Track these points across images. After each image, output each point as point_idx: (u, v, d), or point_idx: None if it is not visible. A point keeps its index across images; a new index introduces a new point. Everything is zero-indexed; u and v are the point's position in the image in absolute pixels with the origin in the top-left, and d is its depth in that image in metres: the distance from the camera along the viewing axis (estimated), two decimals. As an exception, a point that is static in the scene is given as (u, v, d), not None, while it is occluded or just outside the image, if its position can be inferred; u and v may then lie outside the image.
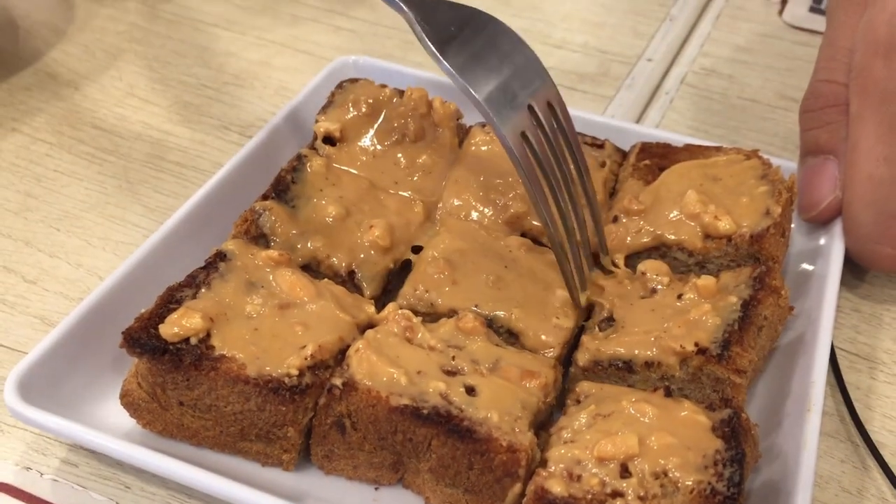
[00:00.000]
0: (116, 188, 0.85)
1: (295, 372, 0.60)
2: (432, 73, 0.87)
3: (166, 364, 0.60)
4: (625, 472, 0.56)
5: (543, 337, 0.66)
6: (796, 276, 0.74)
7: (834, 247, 0.72)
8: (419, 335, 0.64)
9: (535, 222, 0.73)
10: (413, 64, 0.99)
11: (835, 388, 0.70)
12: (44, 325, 0.73)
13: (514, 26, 1.03)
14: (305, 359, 0.61)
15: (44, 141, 0.87)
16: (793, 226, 0.74)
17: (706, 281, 0.67)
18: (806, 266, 0.74)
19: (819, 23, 1.09)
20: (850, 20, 0.73)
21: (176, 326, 0.61)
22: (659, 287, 0.68)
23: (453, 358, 0.63)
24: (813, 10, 1.10)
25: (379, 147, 0.76)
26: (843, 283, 0.77)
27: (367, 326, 0.66)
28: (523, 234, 0.73)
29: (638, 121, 0.94)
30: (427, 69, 0.94)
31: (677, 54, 1.03)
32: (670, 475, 0.55)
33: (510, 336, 0.66)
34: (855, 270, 0.79)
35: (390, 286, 0.70)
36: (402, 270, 0.71)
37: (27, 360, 0.62)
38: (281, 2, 1.07)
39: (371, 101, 0.77)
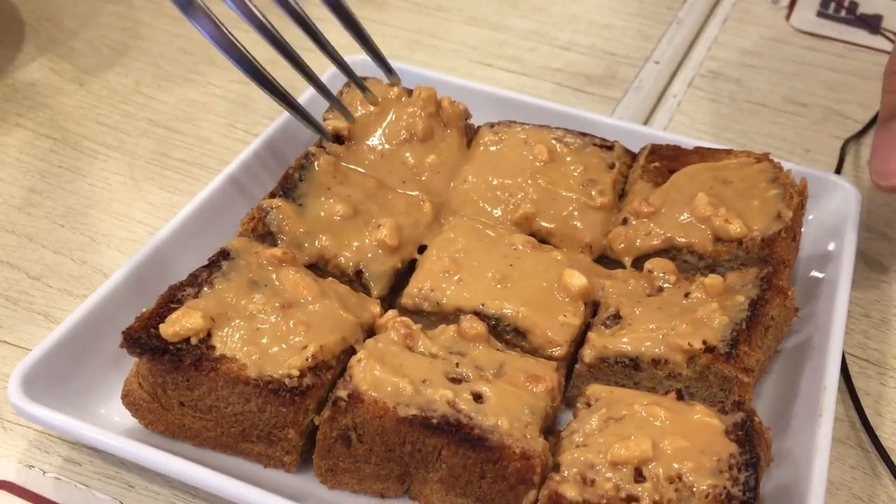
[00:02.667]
0: (121, 185, 0.83)
1: (296, 373, 0.59)
2: (439, 72, 0.86)
3: (166, 364, 0.59)
4: (639, 476, 0.55)
5: (550, 334, 0.64)
6: (806, 281, 0.73)
7: (845, 252, 0.71)
8: (420, 343, 0.62)
9: (543, 223, 0.71)
10: (420, 63, 0.98)
11: (845, 393, 0.69)
12: (47, 322, 0.71)
13: (522, 28, 1.03)
14: (307, 359, 0.59)
15: (48, 137, 0.86)
16: (802, 230, 0.72)
17: (713, 280, 0.66)
18: (815, 271, 0.73)
19: (827, 28, 1.08)
20: None
21: (176, 326, 0.59)
22: (666, 285, 0.67)
23: (457, 365, 0.61)
24: (820, 14, 1.09)
25: (387, 146, 0.74)
26: (853, 288, 0.75)
27: (371, 327, 0.65)
28: (531, 234, 0.71)
29: (645, 123, 0.92)
30: (434, 69, 0.93)
31: (684, 57, 1.02)
32: (685, 479, 0.54)
33: (517, 335, 0.65)
34: (865, 276, 0.77)
35: (398, 286, 0.69)
36: (409, 270, 0.70)
37: (31, 356, 0.60)
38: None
39: (379, 99, 0.76)
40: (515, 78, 0.96)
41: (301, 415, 0.59)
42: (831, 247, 0.73)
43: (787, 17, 1.09)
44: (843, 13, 1.09)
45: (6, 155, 0.83)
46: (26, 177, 0.81)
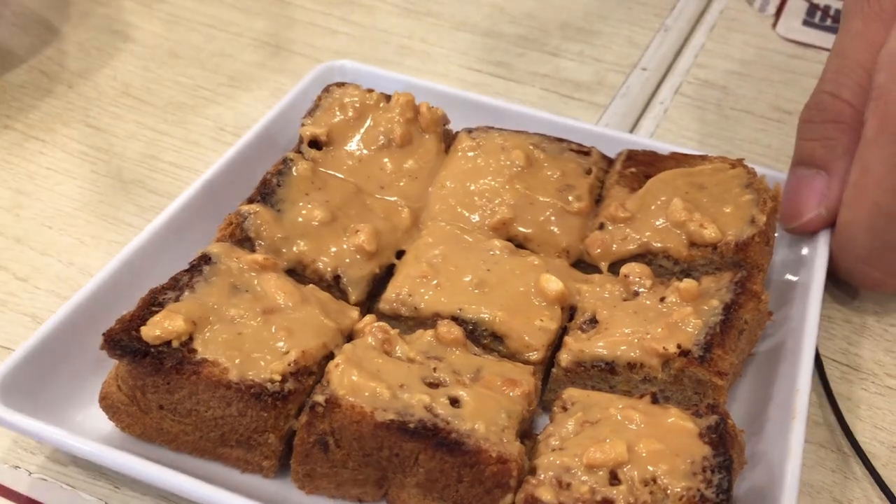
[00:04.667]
0: (110, 187, 0.83)
1: (278, 378, 0.59)
2: (421, 78, 0.86)
3: (147, 367, 0.59)
4: (614, 479, 0.55)
5: (527, 339, 0.64)
6: (779, 285, 0.73)
7: (818, 257, 0.71)
8: (397, 348, 0.62)
9: (521, 228, 0.71)
10: (408, 68, 0.99)
11: (823, 397, 0.69)
12: (34, 324, 0.71)
13: (512, 33, 1.03)
14: (289, 364, 0.59)
15: (37, 138, 0.85)
16: (776, 235, 0.73)
17: (688, 284, 0.66)
18: (789, 275, 0.73)
19: (812, 36, 1.08)
20: (867, 32, 0.71)
21: (157, 329, 0.59)
22: (641, 290, 0.67)
23: (434, 369, 0.61)
24: (806, 23, 1.10)
25: (365, 151, 0.74)
26: (834, 294, 0.76)
27: (351, 333, 0.65)
28: (509, 240, 0.71)
29: (632, 130, 0.92)
30: (417, 74, 0.93)
31: (672, 64, 1.02)
32: (659, 482, 0.54)
33: (494, 339, 0.65)
34: (846, 282, 0.77)
35: (376, 291, 0.69)
36: (387, 275, 0.69)
37: (8, 363, 0.60)
38: (277, 4, 1.07)
39: (358, 105, 0.76)
40: (504, 83, 0.96)
41: (282, 420, 0.59)
42: (805, 251, 0.73)
43: (774, 25, 1.09)
44: (828, 21, 1.09)
45: None
46: (14, 178, 0.81)
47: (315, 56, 0.98)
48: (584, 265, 0.72)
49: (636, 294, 0.67)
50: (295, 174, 0.71)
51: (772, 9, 1.12)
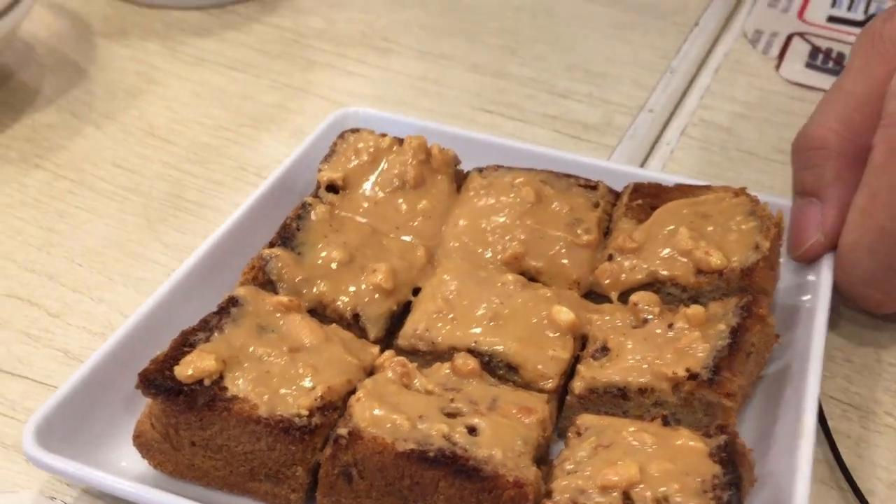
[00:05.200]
0: (137, 226, 0.86)
1: (305, 412, 0.61)
2: (432, 121, 0.89)
3: (181, 405, 0.62)
4: (627, 499, 0.57)
5: (541, 368, 0.67)
6: (786, 309, 0.75)
7: (822, 280, 0.73)
8: (416, 381, 0.65)
9: (532, 262, 0.74)
10: (423, 109, 1.02)
11: (822, 434, 0.70)
12: (67, 359, 0.74)
13: (522, 75, 1.07)
14: (315, 400, 0.62)
15: (66, 178, 0.89)
16: (782, 260, 0.75)
17: (695, 310, 0.68)
18: (795, 299, 0.75)
19: (814, 78, 1.11)
20: (867, 67, 0.73)
21: (190, 368, 0.62)
22: (650, 317, 0.69)
23: (452, 400, 0.63)
24: (809, 66, 1.12)
25: (380, 194, 0.77)
26: (837, 332, 0.79)
27: (372, 369, 0.67)
28: (522, 273, 0.73)
29: (642, 167, 0.95)
30: (431, 115, 0.96)
31: (677, 106, 1.05)
32: (671, 500, 0.56)
33: (509, 370, 0.67)
34: (848, 320, 0.79)
35: (394, 328, 0.71)
36: (404, 312, 0.72)
37: (44, 408, 0.63)
38: (296, 46, 1.11)
39: (372, 149, 0.79)
40: (515, 125, 0.99)
41: (309, 453, 0.62)
42: (811, 277, 0.75)
43: (777, 67, 1.12)
44: (830, 64, 1.13)
45: (26, 196, 0.86)
46: (45, 217, 0.84)
47: (333, 97, 1.01)
48: (595, 296, 0.74)
49: (645, 321, 0.69)
50: (313, 218, 0.74)
51: (775, 51, 1.15)
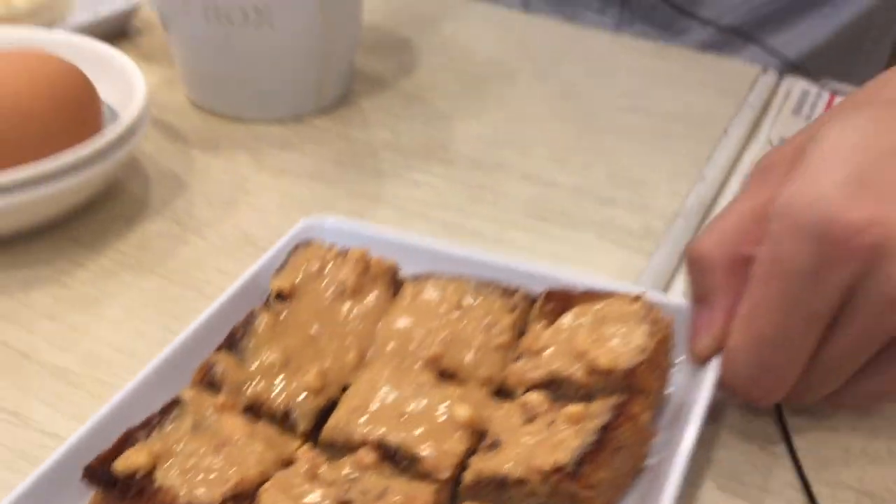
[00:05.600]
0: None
1: (218, 500, 0.71)
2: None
3: (115, 495, 0.73)
4: None
5: (437, 459, 0.75)
6: (677, 406, 0.82)
7: (706, 379, 0.79)
8: (321, 471, 0.74)
9: (450, 362, 0.82)
10: (480, 216, 1.10)
11: None
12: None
13: (569, 184, 1.20)
14: (228, 489, 0.72)
15: (177, 283, 1.00)
16: (678, 360, 0.83)
17: (574, 408, 0.76)
18: (685, 398, 0.81)
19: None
20: (754, 190, 0.79)
21: (126, 462, 0.73)
22: (538, 414, 0.78)
23: (347, 490, 0.72)
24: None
25: (323, 301, 0.87)
26: (745, 419, 0.85)
27: (290, 461, 0.77)
28: (442, 372, 0.82)
29: (674, 274, 1.05)
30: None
31: (708, 211, 1.13)
32: None
33: (411, 461, 0.75)
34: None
35: (322, 422, 0.80)
36: (333, 407, 0.81)
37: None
38: (366, 157, 1.23)
39: (319, 261, 0.89)
40: (564, 231, 1.09)
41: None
42: (698, 376, 0.81)
43: (801, 172, 1.24)
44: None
45: (147, 299, 0.98)
46: (163, 318, 0.97)
47: (400, 205, 1.12)
48: (505, 393, 0.82)
49: (534, 418, 0.77)
50: (257, 325, 0.84)
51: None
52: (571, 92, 1.37)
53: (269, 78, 1.23)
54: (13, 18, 1.24)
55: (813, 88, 1.36)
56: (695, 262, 0.81)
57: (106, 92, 1.06)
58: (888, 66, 0.86)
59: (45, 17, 1.29)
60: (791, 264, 0.71)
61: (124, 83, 1.07)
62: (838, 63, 1.60)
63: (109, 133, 0.99)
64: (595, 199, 1.15)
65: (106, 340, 0.93)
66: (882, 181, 0.69)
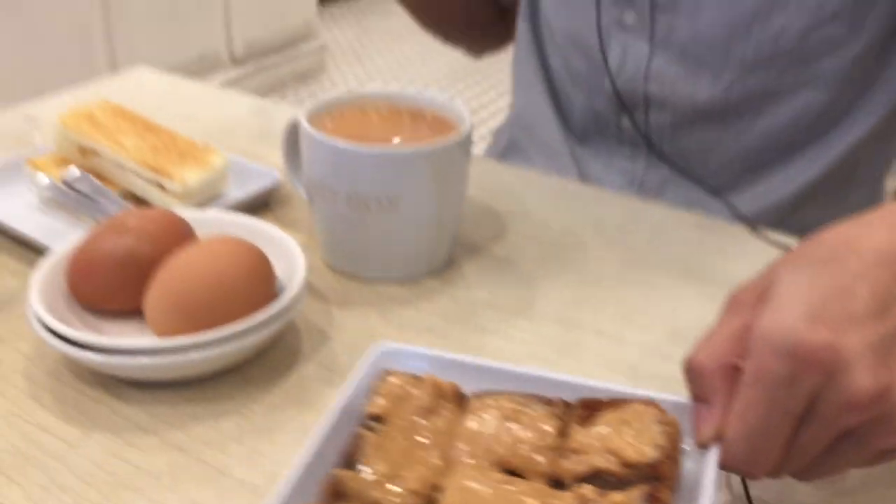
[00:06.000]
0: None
1: None
2: (453, 353, 1.18)
3: None
4: None
5: None
6: (690, 484, 1.01)
7: (710, 463, 1.00)
8: None
9: (512, 461, 1.03)
10: (565, 367, 1.30)
11: None
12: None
13: (636, 341, 1.46)
14: None
15: (329, 418, 1.28)
16: (687, 448, 1.03)
17: (618, 496, 0.96)
18: (697, 482, 1.00)
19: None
20: (731, 317, 1.01)
21: None
22: (591, 501, 0.97)
23: None
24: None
25: (409, 419, 1.08)
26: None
27: None
28: (506, 470, 1.03)
29: None
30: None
31: None
32: None
33: None
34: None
35: None
36: None
37: None
38: (470, 314, 1.47)
39: (399, 387, 1.10)
40: (629, 381, 1.27)
41: None
42: (707, 457, 1.01)
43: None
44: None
45: (309, 430, 1.19)
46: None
47: (499, 357, 1.32)
48: (559, 484, 1.02)
49: None
50: (364, 444, 1.05)
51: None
52: (634, 259, 1.65)
53: (394, 249, 1.51)
54: (188, 195, 1.55)
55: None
56: (693, 371, 1.05)
57: (275, 265, 1.36)
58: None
59: (209, 192, 1.59)
60: (770, 375, 0.96)
61: (288, 258, 1.37)
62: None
63: (281, 302, 1.28)
64: (658, 354, 1.38)
65: (283, 462, 1.16)
66: (830, 315, 0.95)
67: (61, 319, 1.08)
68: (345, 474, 1.04)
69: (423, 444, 1.09)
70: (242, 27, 5.77)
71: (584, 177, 1.76)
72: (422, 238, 1.46)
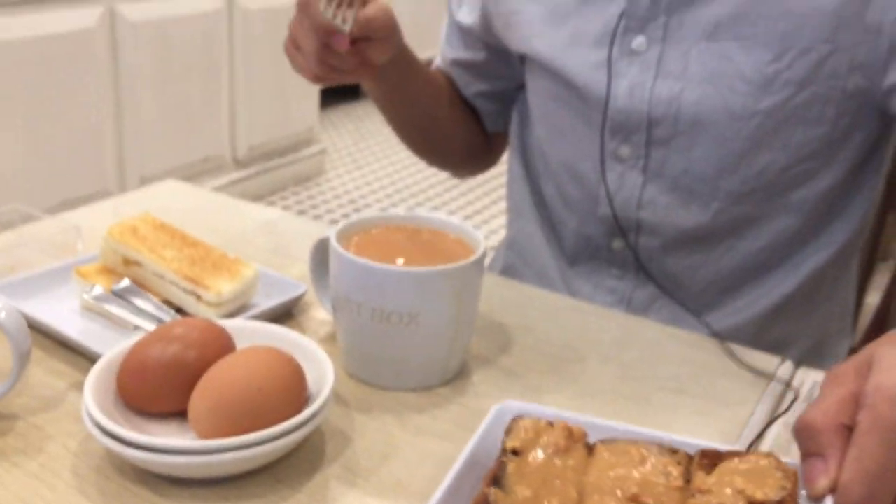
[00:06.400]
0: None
1: None
2: (582, 414, 1.31)
3: None
4: None
5: None
6: None
7: None
8: None
9: (645, 499, 1.14)
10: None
11: None
12: None
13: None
14: None
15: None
16: (803, 492, 1.13)
17: None
18: None
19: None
20: (833, 386, 1.12)
21: None
22: None
23: None
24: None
25: (544, 456, 1.20)
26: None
27: None
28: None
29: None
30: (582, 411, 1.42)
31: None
32: None
33: None
34: None
35: None
36: None
37: None
38: (474, 420, 1.63)
39: (534, 429, 1.22)
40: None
41: None
42: None
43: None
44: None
45: None
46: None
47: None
48: None
49: None
50: (509, 471, 1.17)
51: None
52: (629, 374, 1.78)
53: (412, 360, 1.61)
54: (221, 304, 1.67)
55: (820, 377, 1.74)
56: (807, 429, 1.15)
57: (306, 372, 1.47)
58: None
59: (240, 301, 1.71)
60: (886, 422, 1.07)
61: (317, 367, 1.49)
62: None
63: (311, 408, 1.39)
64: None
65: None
66: None
67: (110, 418, 1.19)
68: (496, 492, 1.13)
69: (560, 477, 1.20)
70: (246, 132, 5.99)
71: (574, 296, 1.90)
72: (438, 351, 1.56)
